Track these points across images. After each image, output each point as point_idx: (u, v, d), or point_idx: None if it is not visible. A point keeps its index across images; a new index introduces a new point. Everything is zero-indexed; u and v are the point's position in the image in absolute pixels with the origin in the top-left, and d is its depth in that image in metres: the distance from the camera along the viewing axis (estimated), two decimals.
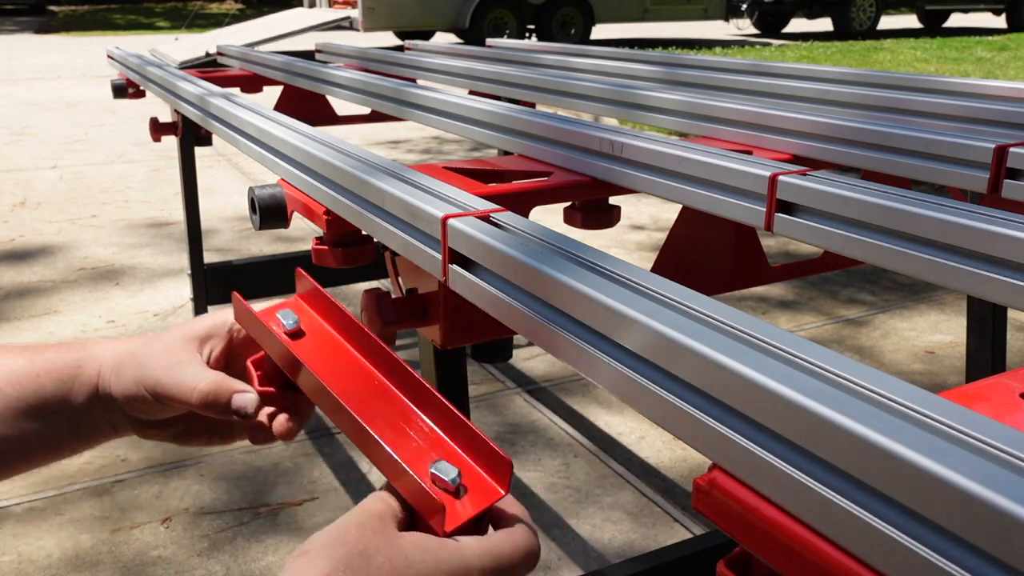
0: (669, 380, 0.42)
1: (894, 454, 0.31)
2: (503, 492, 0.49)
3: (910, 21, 16.34)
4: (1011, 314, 2.14)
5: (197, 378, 0.59)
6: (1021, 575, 0.28)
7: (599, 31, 11.64)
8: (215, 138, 1.93)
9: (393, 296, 0.79)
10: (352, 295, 2.99)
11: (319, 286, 0.63)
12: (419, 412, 0.54)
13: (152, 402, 0.60)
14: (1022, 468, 0.30)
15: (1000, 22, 15.01)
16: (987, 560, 0.29)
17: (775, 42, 12.37)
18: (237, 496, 1.87)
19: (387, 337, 0.82)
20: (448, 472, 0.49)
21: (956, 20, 16.03)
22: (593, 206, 1.01)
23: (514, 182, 0.96)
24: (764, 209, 0.78)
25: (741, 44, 11.96)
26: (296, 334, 0.60)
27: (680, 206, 0.97)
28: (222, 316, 0.64)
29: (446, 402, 0.52)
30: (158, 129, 2.35)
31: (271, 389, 0.62)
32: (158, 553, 1.68)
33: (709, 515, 0.40)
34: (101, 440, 0.65)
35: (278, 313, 0.62)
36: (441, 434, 0.52)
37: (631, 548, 1.70)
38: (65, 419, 0.62)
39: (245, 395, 0.59)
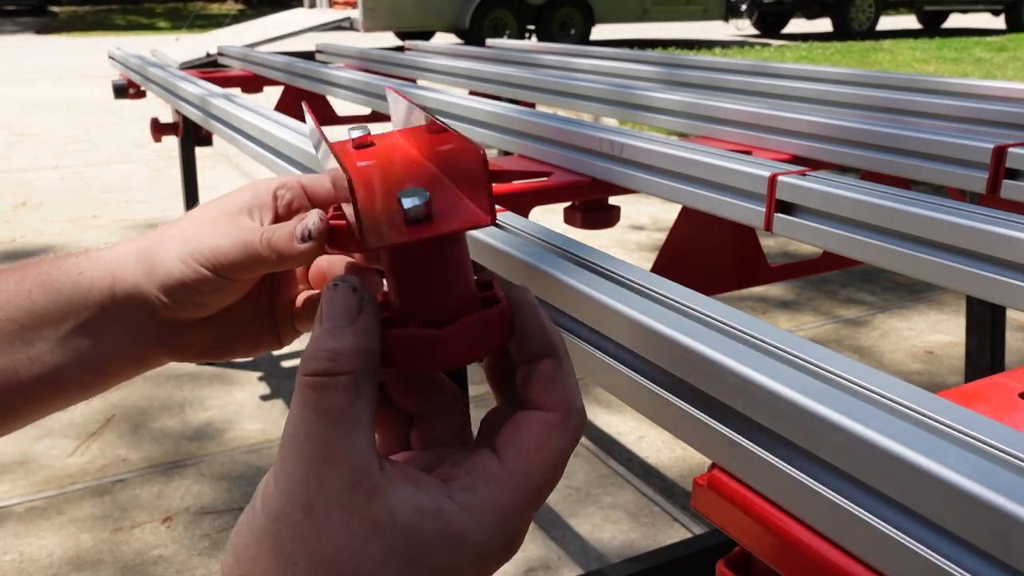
0: (669, 380, 0.43)
1: (893, 454, 0.32)
2: (487, 219, 0.36)
3: (909, 22, 16.34)
4: (1010, 314, 2.14)
5: (266, 228, 0.47)
6: (1019, 574, 0.28)
7: (599, 31, 11.63)
8: (216, 138, 1.93)
9: None
10: None
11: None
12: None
13: (206, 279, 0.48)
14: (1021, 468, 0.30)
15: (999, 23, 15.01)
16: (986, 559, 0.29)
17: (774, 42, 12.37)
18: (238, 495, 1.87)
19: None
20: (411, 196, 0.35)
21: (955, 20, 16.03)
22: (593, 206, 1.01)
23: (514, 182, 0.96)
24: (764, 209, 0.79)
25: (740, 44, 11.96)
26: (363, 144, 0.48)
27: (680, 206, 0.98)
28: (264, 184, 0.53)
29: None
30: (159, 129, 2.35)
31: (341, 223, 0.48)
32: (159, 552, 1.68)
33: (709, 514, 0.40)
34: (117, 369, 0.51)
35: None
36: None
37: (631, 548, 1.70)
38: (70, 341, 0.49)
39: (305, 218, 0.46)
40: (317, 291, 0.53)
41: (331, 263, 0.52)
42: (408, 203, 0.34)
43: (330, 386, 0.32)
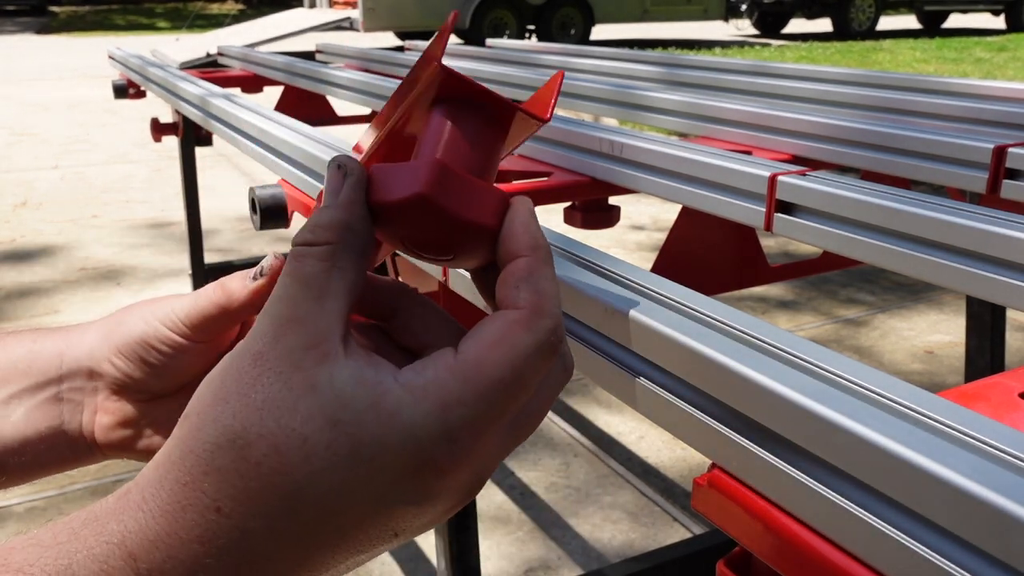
0: (669, 380, 0.43)
1: (893, 453, 0.32)
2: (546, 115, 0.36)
3: (909, 22, 16.34)
4: (1010, 314, 2.14)
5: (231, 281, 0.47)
6: (1019, 574, 0.28)
7: (599, 31, 11.63)
8: (216, 138, 1.93)
9: None
10: None
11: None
12: None
13: (165, 338, 0.46)
14: (1020, 468, 0.30)
15: (999, 23, 15.01)
16: (986, 559, 0.29)
17: (774, 42, 12.37)
18: None
19: None
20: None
21: (955, 20, 16.03)
22: (593, 206, 1.01)
23: (514, 182, 0.96)
24: (764, 209, 0.79)
25: (740, 44, 11.96)
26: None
27: (680, 206, 0.98)
28: (207, 291, 0.49)
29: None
30: (159, 129, 2.35)
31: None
32: None
33: (708, 514, 0.40)
34: (40, 457, 0.48)
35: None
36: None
37: (631, 547, 1.70)
38: (25, 415, 0.47)
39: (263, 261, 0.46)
40: None
41: None
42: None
43: (307, 255, 0.33)
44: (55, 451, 0.48)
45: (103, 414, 0.48)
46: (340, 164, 0.35)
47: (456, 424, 0.31)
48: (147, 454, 0.49)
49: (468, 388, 0.31)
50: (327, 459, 0.30)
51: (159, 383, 0.48)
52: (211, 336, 0.47)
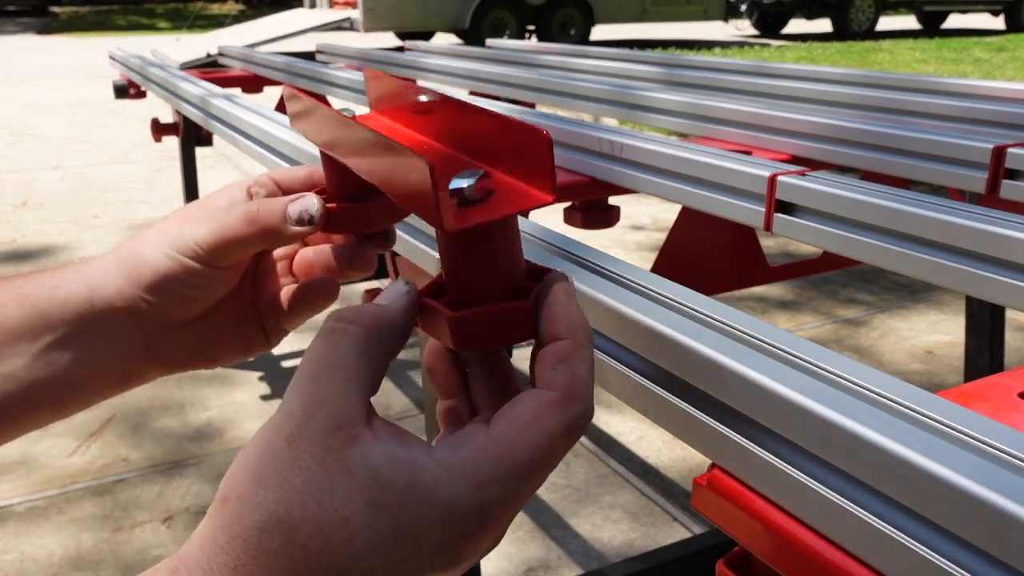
0: (669, 380, 0.43)
1: (892, 453, 0.32)
2: (548, 197, 0.35)
3: (909, 22, 16.34)
4: (1009, 314, 2.14)
5: (243, 208, 0.46)
6: (1018, 573, 0.28)
7: (599, 32, 11.63)
8: (216, 138, 1.93)
9: None
10: (352, 295, 2.99)
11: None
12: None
13: (191, 270, 0.47)
14: (1020, 467, 0.31)
15: (998, 23, 15.01)
16: (985, 558, 0.29)
17: (774, 43, 12.37)
18: None
19: None
20: (465, 177, 0.35)
21: (954, 21, 16.03)
22: (593, 206, 1.01)
23: None
24: (763, 209, 0.79)
25: (740, 45, 11.96)
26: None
27: (680, 206, 0.98)
28: (237, 184, 0.51)
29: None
30: (159, 130, 2.35)
31: (333, 205, 0.47)
32: (159, 552, 1.68)
33: (708, 514, 0.40)
34: (98, 385, 0.49)
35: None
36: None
37: (631, 547, 1.70)
38: (46, 357, 0.47)
39: (302, 199, 0.46)
40: (302, 283, 0.53)
41: (317, 254, 0.52)
42: (462, 184, 0.35)
43: (342, 334, 0.34)
44: (102, 380, 0.49)
45: (136, 346, 0.49)
46: (407, 283, 0.37)
47: (489, 500, 0.32)
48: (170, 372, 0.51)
49: (501, 468, 0.33)
50: (369, 539, 0.31)
51: (184, 312, 0.49)
52: (234, 260, 0.48)
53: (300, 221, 0.45)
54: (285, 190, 0.51)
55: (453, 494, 0.32)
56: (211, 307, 0.50)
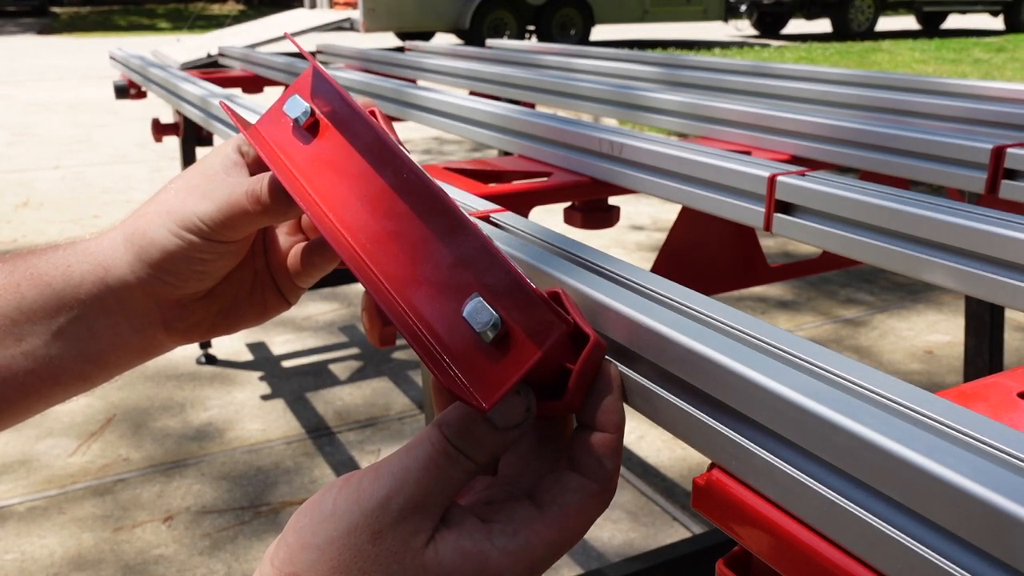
0: (668, 380, 0.43)
1: (892, 453, 0.32)
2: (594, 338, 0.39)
3: (908, 22, 16.34)
4: (1009, 314, 2.14)
5: (246, 182, 0.46)
6: (1018, 573, 0.28)
7: (599, 32, 11.64)
8: (216, 138, 1.93)
9: None
10: (352, 295, 2.99)
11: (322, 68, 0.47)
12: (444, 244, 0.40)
13: (200, 247, 0.47)
14: (1019, 467, 0.31)
15: (998, 23, 15.01)
16: (985, 559, 0.29)
17: (774, 43, 12.37)
18: (238, 495, 1.87)
19: (387, 337, 0.82)
20: (480, 314, 0.36)
21: (954, 21, 16.03)
22: (593, 206, 1.01)
23: (514, 182, 0.96)
24: (763, 209, 0.79)
25: (740, 45, 11.96)
26: (311, 128, 0.46)
27: (680, 206, 0.98)
28: (226, 145, 0.51)
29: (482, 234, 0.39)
30: (160, 130, 2.35)
31: None
32: (160, 552, 1.69)
33: (708, 514, 0.40)
34: (120, 358, 0.50)
35: (284, 106, 0.47)
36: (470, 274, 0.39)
37: (631, 547, 1.71)
38: (65, 335, 0.47)
39: None
40: (312, 239, 0.53)
41: None
42: (480, 327, 0.37)
43: (459, 463, 0.37)
44: (123, 353, 0.50)
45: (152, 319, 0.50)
46: (528, 408, 0.39)
47: (539, 570, 0.39)
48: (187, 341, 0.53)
49: (551, 550, 0.39)
50: None
51: (197, 286, 0.50)
52: (241, 235, 0.48)
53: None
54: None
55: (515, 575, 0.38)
56: (223, 278, 0.51)
